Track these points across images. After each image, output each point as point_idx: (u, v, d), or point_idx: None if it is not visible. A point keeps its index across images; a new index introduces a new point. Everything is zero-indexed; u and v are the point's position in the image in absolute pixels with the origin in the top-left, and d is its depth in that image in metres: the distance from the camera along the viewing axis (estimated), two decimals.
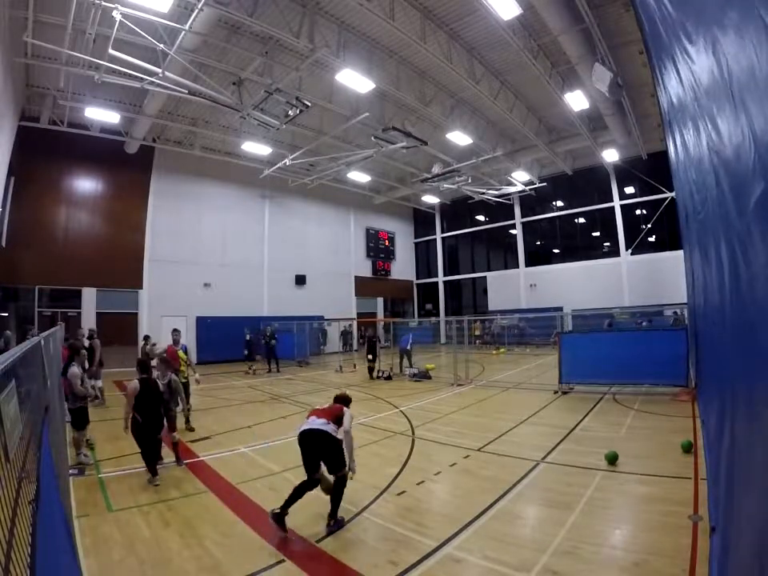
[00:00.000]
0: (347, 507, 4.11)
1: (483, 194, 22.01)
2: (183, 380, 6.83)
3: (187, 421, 7.16)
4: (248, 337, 15.46)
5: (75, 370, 5.63)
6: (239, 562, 3.22)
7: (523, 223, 24.26)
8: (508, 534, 3.54)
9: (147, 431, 4.76)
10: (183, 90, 11.05)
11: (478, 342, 21.90)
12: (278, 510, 3.60)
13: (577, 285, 21.07)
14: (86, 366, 6.78)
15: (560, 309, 18.59)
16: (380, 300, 26.56)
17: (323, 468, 3.82)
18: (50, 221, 14.74)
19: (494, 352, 19.80)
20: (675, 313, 14.34)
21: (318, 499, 4.36)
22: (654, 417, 6.92)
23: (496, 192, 21.92)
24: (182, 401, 6.38)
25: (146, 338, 11.45)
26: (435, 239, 28.51)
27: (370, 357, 13.03)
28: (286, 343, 17.60)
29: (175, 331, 7.68)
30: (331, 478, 3.82)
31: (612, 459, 4.94)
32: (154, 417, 4.85)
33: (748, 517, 1.58)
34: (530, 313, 21.21)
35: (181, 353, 7.22)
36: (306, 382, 12.95)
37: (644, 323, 14.85)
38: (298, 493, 3.72)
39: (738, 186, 1.40)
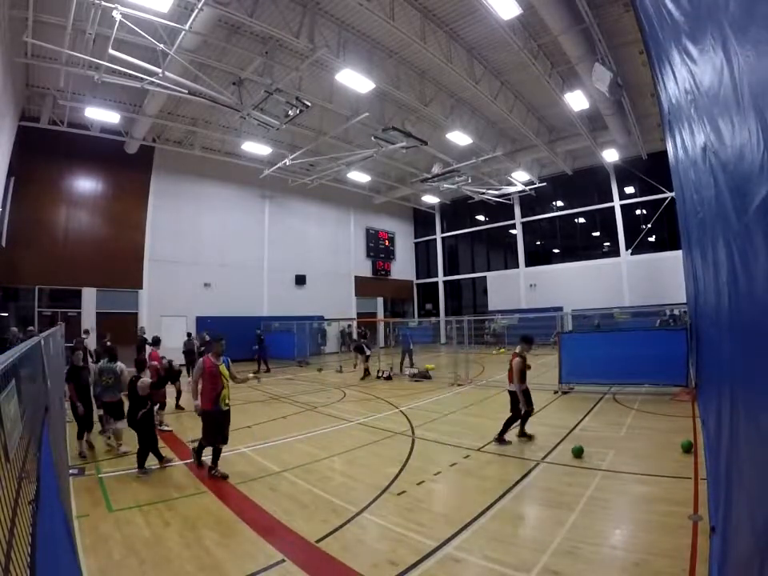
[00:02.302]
0: (347, 507, 4.12)
1: (483, 193, 22.00)
2: (225, 407, 5.17)
3: (212, 467, 5.11)
4: (207, 338, 15.03)
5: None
6: (239, 562, 3.23)
7: (523, 223, 24.25)
8: (508, 534, 3.54)
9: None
10: (183, 90, 11.05)
11: (486, 337, 21.82)
12: (498, 436, 5.90)
13: (577, 285, 21.06)
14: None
15: (560, 309, 18.58)
16: (380, 300, 26.55)
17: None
18: (50, 221, 14.73)
19: (494, 352, 19.79)
20: (673, 311, 14.31)
21: (317, 499, 4.37)
22: (654, 417, 6.92)
23: (496, 192, 21.91)
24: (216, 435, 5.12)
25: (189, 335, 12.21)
26: (435, 239, 28.50)
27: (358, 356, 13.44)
28: (285, 343, 17.62)
29: (218, 341, 5.44)
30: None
31: (578, 452, 5.18)
32: (132, 410, 5.27)
33: (748, 517, 1.58)
34: (530, 313, 21.19)
35: (224, 368, 5.22)
36: (306, 382, 12.95)
37: (670, 322, 14.69)
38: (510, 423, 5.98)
39: (740, 186, 1.40)
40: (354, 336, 23.55)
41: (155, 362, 7.23)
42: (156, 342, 8.31)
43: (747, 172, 1.24)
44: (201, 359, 5.36)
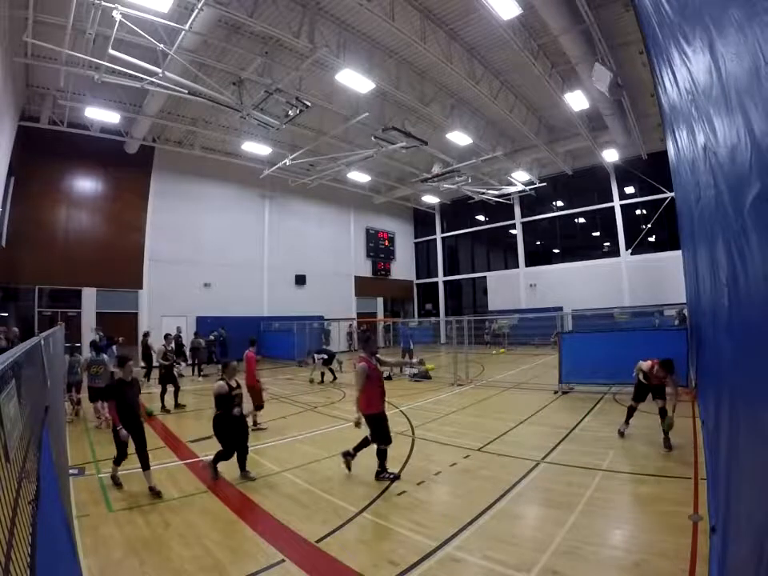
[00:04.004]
0: (347, 507, 4.12)
1: (483, 193, 22.01)
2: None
3: (382, 470, 4.91)
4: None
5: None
6: (239, 562, 3.23)
7: (523, 223, 24.25)
8: (508, 534, 3.54)
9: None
10: (183, 90, 11.06)
11: (486, 338, 21.79)
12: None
13: (577, 285, 21.06)
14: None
15: (560, 309, 18.58)
16: (380, 300, 26.56)
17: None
18: (50, 221, 14.73)
19: (494, 352, 19.79)
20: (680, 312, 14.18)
21: (317, 499, 4.37)
22: (654, 417, 6.88)
23: (496, 192, 21.91)
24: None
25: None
26: (435, 239, 28.49)
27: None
28: (285, 343, 17.63)
29: (371, 339, 5.35)
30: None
31: (668, 427, 5.44)
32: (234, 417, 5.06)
33: (747, 516, 1.58)
34: (530, 313, 21.21)
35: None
36: (306, 381, 12.94)
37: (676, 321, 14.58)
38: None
39: (734, 186, 1.40)
40: (354, 336, 23.63)
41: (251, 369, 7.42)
42: (253, 342, 8.07)
43: (739, 172, 1.24)
44: (362, 363, 5.00)
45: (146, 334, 12.74)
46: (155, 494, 4.45)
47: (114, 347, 8.48)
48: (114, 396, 4.73)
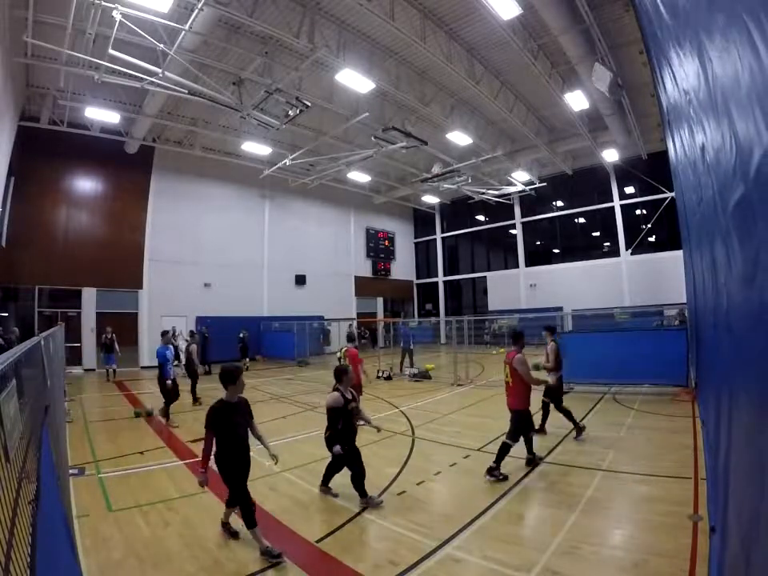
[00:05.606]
0: (347, 507, 4.12)
1: (483, 193, 22.01)
2: None
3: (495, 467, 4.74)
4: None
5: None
6: (239, 562, 3.23)
7: (523, 223, 24.25)
8: (508, 534, 3.54)
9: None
10: (183, 90, 11.06)
11: (486, 337, 21.81)
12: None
13: (577, 285, 21.06)
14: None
15: (560, 309, 18.58)
16: (380, 300, 26.57)
17: None
18: (50, 221, 14.72)
19: (494, 352, 19.79)
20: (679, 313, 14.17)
21: (317, 499, 4.37)
22: (653, 417, 6.92)
23: (496, 192, 21.91)
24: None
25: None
26: (435, 239, 28.50)
27: None
28: (285, 343, 17.64)
29: (522, 335, 5.07)
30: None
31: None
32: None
33: (737, 515, 1.59)
34: (530, 313, 21.20)
35: None
36: (306, 381, 12.95)
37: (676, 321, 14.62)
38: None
39: (723, 188, 1.41)
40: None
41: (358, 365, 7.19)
42: (351, 338, 7.54)
43: (726, 174, 1.25)
44: (521, 356, 4.82)
45: (172, 332, 13.10)
46: (272, 557, 3.20)
47: (171, 349, 7.89)
48: (214, 426, 3.38)
